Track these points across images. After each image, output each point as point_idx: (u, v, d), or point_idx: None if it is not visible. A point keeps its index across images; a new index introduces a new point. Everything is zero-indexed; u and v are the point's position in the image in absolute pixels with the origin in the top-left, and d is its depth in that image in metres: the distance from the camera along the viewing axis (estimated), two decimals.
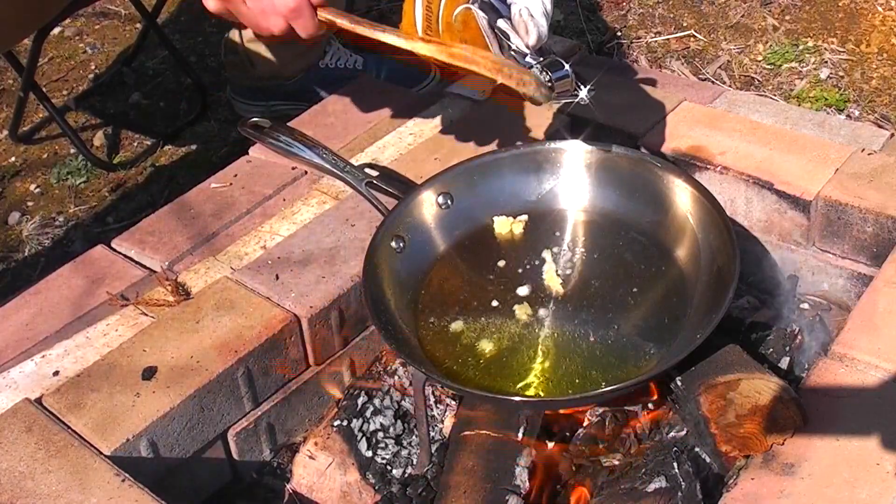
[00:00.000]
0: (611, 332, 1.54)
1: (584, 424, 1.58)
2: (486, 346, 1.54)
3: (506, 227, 1.71)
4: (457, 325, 1.57)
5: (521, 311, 1.58)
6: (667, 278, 1.61)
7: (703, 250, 1.58)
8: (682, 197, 1.63)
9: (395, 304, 1.56)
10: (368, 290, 1.53)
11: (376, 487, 1.60)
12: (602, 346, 1.52)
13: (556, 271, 1.64)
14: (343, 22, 1.41)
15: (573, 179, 1.73)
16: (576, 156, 1.73)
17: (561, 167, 1.73)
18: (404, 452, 1.63)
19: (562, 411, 1.58)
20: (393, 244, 1.62)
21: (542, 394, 1.48)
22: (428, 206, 1.69)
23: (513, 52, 1.42)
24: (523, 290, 1.62)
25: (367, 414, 1.66)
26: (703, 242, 1.59)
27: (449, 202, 1.70)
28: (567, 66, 1.43)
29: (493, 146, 1.80)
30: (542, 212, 1.73)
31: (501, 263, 1.67)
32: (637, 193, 1.69)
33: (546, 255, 1.67)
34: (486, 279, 1.64)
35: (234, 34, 2.58)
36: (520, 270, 1.65)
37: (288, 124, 1.86)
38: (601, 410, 1.59)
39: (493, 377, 1.49)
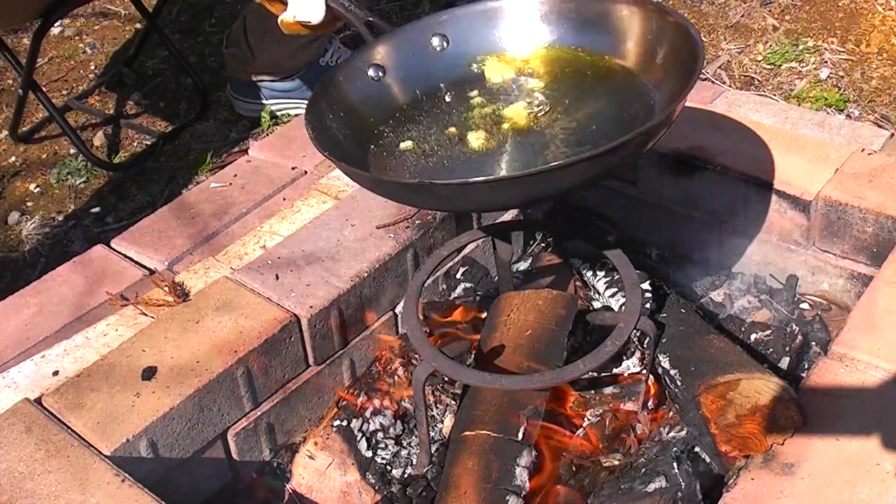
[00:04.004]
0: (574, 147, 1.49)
1: (584, 424, 1.58)
2: (429, 161, 1.51)
3: (496, 71, 1.68)
4: (406, 144, 1.55)
5: (475, 138, 1.54)
6: (625, 88, 1.57)
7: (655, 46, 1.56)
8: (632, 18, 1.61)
9: (350, 121, 1.55)
10: (319, 103, 1.52)
11: (376, 487, 1.60)
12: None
13: (527, 110, 1.59)
14: None
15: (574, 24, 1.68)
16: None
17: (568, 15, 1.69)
18: (404, 452, 1.63)
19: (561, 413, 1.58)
20: (371, 72, 1.61)
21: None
22: (422, 44, 1.65)
23: None
24: (482, 118, 1.58)
25: (367, 414, 1.66)
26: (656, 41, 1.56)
27: (444, 45, 1.67)
28: None
29: None
30: (535, 61, 1.68)
31: (476, 99, 1.63)
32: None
33: (522, 96, 1.62)
34: (455, 110, 1.61)
35: (237, 26, 2.58)
36: (488, 109, 1.61)
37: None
38: (601, 410, 1.59)
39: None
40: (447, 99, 1.63)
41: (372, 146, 1.55)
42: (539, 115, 1.57)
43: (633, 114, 1.52)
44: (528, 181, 1.33)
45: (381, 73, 1.62)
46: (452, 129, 1.56)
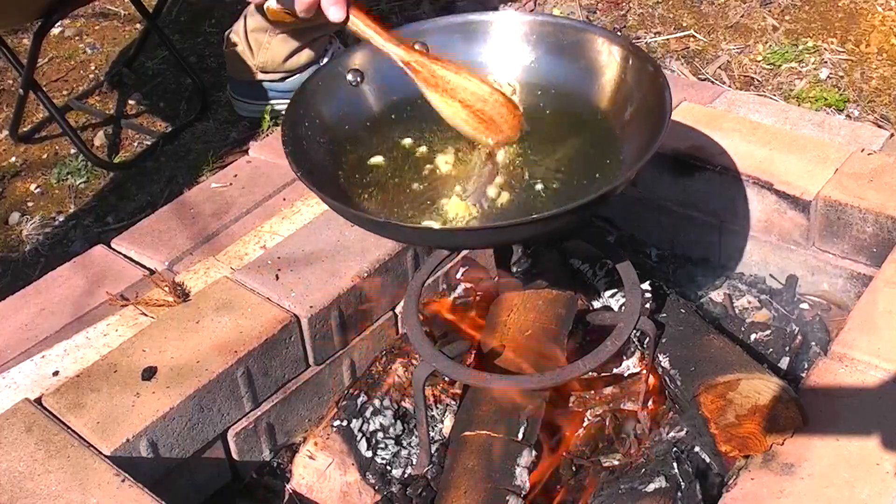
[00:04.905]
0: (540, 189, 1.47)
1: (584, 424, 1.58)
2: (395, 181, 1.49)
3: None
4: (376, 160, 1.54)
5: (442, 160, 1.53)
6: (596, 133, 1.55)
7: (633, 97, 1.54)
8: (615, 57, 1.58)
9: (325, 129, 1.53)
10: (296, 108, 1.50)
11: (376, 487, 1.60)
12: (529, 197, 1.46)
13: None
14: (366, 29, 1.47)
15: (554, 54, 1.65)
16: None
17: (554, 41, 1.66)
18: (404, 452, 1.63)
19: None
20: (349, 77, 1.59)
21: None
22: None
23: None
24: (453, 145, 1.56)
25: (367, 414, 1.66)
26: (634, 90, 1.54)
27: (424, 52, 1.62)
28: None
29: None
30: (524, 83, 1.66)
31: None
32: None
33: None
34: (427, 125, 1.58)
35: (237, 26, 2.58)
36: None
37: None
38: (601, 410, 1.59)
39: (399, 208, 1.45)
40: (421, 112, 1.59)
41: (344, 158, 1.53)
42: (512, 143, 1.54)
43: (602, 159, 1.50)
44: (491, 232, 1.38)
45: (359, 79, 1.60)
46: (423, 149, 1.54)
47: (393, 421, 1.65)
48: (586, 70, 1.61)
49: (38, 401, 1.50)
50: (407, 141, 1.56)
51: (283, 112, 1.54)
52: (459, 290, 1.87)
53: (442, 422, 1.65)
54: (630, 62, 1.55)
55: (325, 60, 2.60)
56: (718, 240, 1.93)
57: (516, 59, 1.65)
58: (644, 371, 1.59)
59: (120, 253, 1.85)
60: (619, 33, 1.71)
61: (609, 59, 1.58)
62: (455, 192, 1.47)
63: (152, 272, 1.79)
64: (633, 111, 1.52)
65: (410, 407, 1.67)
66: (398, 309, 1.78)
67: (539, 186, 1.47)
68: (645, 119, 1.48)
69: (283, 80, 2.60)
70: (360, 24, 1.47)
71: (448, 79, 1.50)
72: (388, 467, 1.62)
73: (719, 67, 2.68)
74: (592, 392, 1.63)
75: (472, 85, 1.51)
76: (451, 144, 1.56)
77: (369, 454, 1.62)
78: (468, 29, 1.67)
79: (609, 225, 2.04)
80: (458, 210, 1.45)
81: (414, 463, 1.61)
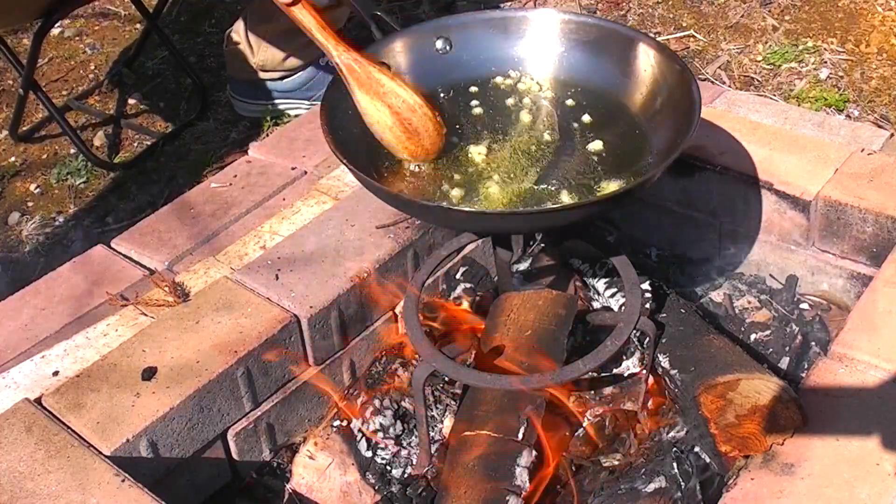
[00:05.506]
0: (569, 180, 1.51)
1: (584, 424, 1.58)
2: (429, 171, 1.53)
3: (499, 83, 1.69)
4: None
5: (476, 152, 1.56)
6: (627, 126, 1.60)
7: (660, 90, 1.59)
8: (643, 55, 1.62)
9: (359, 119, 1.55)
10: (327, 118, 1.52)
11: (376, 487, 1.60)
12: (558, 188, 1.50)
13: (527, 131, 1.60)
14: (311, 20, 1.50)
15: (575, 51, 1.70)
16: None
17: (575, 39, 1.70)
18: (404, 452, 1.63)
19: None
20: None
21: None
22: (426, 46, 1.66)
23: None
24: (486, 135, 1.59)
25: (367, 414, 1.66)
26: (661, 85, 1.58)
27: (448, 48, 1.67)
28: None
29: None
30: (554, 80, 1.70)
31: (478, 111, 1.65)
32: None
33: (523, 115, 1.64)
34: (457, 117, 1.62)
35: (238, 25, 2.58)
36: (491, 120, 1.63)
37: None
38: (601, 410, 1.59)
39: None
40: (447, 105, 1.63)
41: (377, 148, 1.56)
42: (543, 135, 1.58)
43: (631, 155, 1.54)
44: (534, 217, 1.43)
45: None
46: (454, 139, 1.57)
47: (393, 421, 1.65)
48: (616, 68, 1.64)
49: (38, 401, 1.50)
50: None
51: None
52: (459, 290, 1.87)
53: (442, 422, 1.65)
54: (660, 61, 1.59)
55: (325, 60, 2.60)
56: (718, 240, 1.93)
57: (549, 55, 1.69)
58: (644, 371, 1.59)
59: (120, 253, 1.85)
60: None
61: (639, 58, 1.62)
62: (493, 180, 1.50)
63: (152, 272, 1.79)
64: (662, 107, 1.56)
65: (410, 407, 1.67)
66: (398, 309, 1.78)
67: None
68: (672, 116, 1.52)
69: (282, 78, 2.60)
70: (307, 15, 1.49)
71: (383, 83, 1.52)
72: (388, 467, 1.62)
73: (719, 67, 2.68)
74: (592, 392, 1.63)
75: (406, 93, 1.53)
76: (484, 136, 1.59)
77: (369, 454, 1.62)
78: (504, 25, 1.71)
79: (609, 225, 2.04)
80: (498, 197, 1.47)
81: (414, 463, 1.61)
